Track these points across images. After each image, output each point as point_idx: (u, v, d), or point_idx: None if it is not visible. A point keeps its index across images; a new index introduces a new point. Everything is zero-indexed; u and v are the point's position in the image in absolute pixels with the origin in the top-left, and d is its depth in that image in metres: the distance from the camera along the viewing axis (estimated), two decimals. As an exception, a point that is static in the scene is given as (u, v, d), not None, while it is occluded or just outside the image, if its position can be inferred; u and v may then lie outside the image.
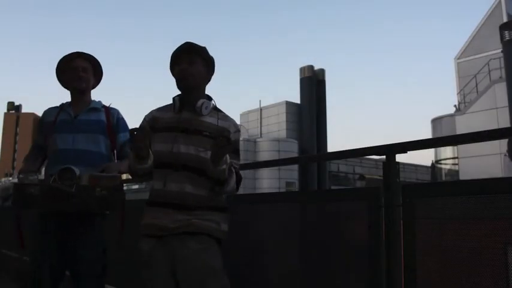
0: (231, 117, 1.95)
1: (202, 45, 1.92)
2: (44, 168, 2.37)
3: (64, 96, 2.57)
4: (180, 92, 1.91)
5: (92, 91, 2.47)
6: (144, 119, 1.93)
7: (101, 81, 2.50)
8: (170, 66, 1.93)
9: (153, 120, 1.90)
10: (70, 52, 2.39)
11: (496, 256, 1.49)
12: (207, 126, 1.83)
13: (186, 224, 1.73)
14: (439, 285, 1.68)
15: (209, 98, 1.90)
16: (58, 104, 2.42)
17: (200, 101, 1.82)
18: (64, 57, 2.38)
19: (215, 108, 1.90)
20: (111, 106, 2.43)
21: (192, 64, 1.86)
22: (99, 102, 2.43)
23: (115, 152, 2.37)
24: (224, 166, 1.68)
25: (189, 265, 1.70)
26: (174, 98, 1.88)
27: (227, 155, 1.70)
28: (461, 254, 1.61)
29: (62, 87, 2.43)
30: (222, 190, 1.78)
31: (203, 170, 1.74)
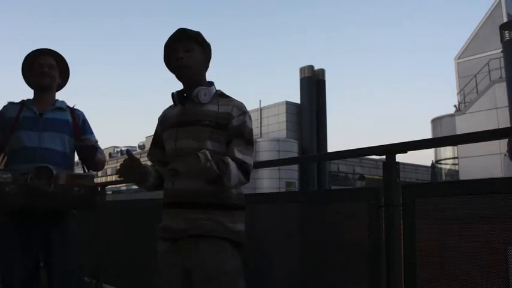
0: (242, 103, 1.76)
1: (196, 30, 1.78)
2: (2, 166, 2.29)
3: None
4: (181, 84, 1.80)
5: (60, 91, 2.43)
6: (157, 120, 1.88)
7: (68, 81, 2.45)
8: (164, 58, 1.80)
9: (162, 120, 1.84)
10: (36, 49, 2.35)
11: (496, 256, 1.49)
12: (208, 114, 1.69)
13: (195, 225, 1.64)
14: (439, 285, 1.68)
15: (210, 84, 1.77)
16: (18, 101, 2.34)
17: (196, 90, 1.70)
18: (29, 53, 2.34)
19: (220, 95, 1.77)
20: (75, 107, 2.39)
21: (188, 52, 1.72)
22: (63, 102, 2.38)
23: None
24: (208, 164, 1.51)
25: (200, 270, 1.62)
26: (172, 93, 1.78)
27: (206, 153, 1.53)
28: (461, 254, 1.61)
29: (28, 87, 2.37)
30: (224, 186, 1.61)
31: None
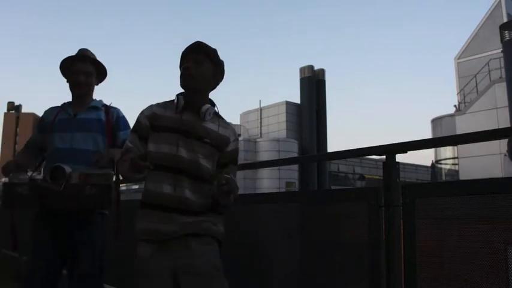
0: (230, 123, 1.92)
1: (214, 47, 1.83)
2: (43, 168, 2.34)
3: (65, 95, 2.56)
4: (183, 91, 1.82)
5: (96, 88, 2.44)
6: (143, 113, 1.81)
7: (105, 79, 2.47)
8: (180, 65, 1.82)
9: (153, 117, 1.78)
10: (78, 52, 2.37)
11: (496, 256, 1.49)
12: (208, 132, 1.76)
13: (190, 226, 1.69)
14: (439, 285, 1.68)
15: (212, 104, 1.83)
16: (59, 104, 2.40)
17: (205, 107, 1.75)
18: (66, 59, 2.36)
19: (216, 114, 1.84)
20: (111, 105, 2.41)
21: (197, 64, 1.76)
22: (100, 101, 2.40)
23: None
24: (232, 200, 1.62)
25: (192, 265, 1.65)
26: (178, 96, 1.78)
27: (235, 186, 1.61)
28: (461, 254, 1.61)
29: (66, 85, 2.41)
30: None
31: (200, 176, 1.71)
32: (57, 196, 2.01)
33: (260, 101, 40.13)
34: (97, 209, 2.18)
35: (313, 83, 29.21)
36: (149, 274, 1.68)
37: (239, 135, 28.65)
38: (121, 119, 2.39)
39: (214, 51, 1.82)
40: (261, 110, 30.71)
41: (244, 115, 32.11)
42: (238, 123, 31.23)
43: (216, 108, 1.83)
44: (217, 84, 1.86)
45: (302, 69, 29.77)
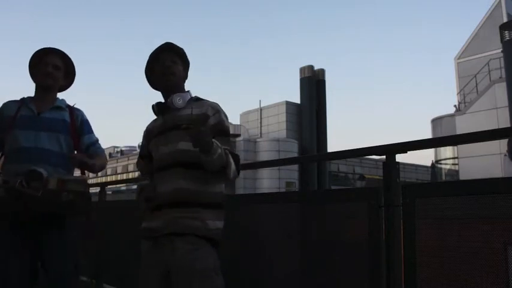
0: (216, 103, 1.87)
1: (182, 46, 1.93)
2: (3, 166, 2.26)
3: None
4: (160, 96, 1.91)
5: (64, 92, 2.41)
6: (143, 134, 1.98)
7: (73, 83, 2.42)
8: (148, 66, 1.93)
9: (147, 133, 1.93)
10: (44, 47, 2.33)
11: (496, 256, 1.49)
12: (184, 118, 1.76)
13: (172, 223, 1.69)
14: (439, 285, 1.68)
15: (185, 91, 1.90)
16: (18, 98, 2.32)
17: (171, 96, 1.82)
18: (37, 51, 2.32)
19: (196, 99, 1.88)
20: (75, 106, 2.37)
21: (173, 63, 1.87)
22: (63, 101, 2.36)
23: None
24: (219, 150, 1.61)
25: (177, 267, 1.67)
26: (152, 106, 1.89)
27: (215, 142, 1.60)
28: (461, 254, 1.61)
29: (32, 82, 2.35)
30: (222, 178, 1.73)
31: (191, 162, 1.70)
32: (33, 201, 1.97)
33: (260, 101, 40.22)
34: (73, 215, 2.16)
35: (313, 83, 29.24)
36: (142, 269, 1.77)
37: (239, 135, 28.77)
38: (85, 123, 2.36)
39: (183, 50, 1.93)
40: (261, 110, 30.73)
41: (244, 115, 32.13)
42: (238, 123, 31.26)
43: (189, 94, 1.88)
44: (187, 76, 1.95)
45: (302, 69, 29.80)
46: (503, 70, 15.97)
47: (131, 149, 39.06)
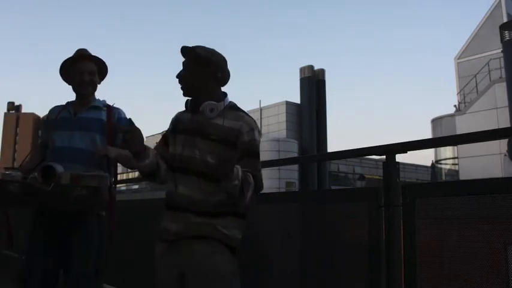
0: (252, 120, 1.76)
1: (196, 44, 1.78)
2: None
3: (67, 95, 2.54)
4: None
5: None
6: (171, 120, 1.88)
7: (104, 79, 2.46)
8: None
9: (176, 121, 1.83)
10: (76, 52, 2.36)
11: (496, 256, 1.49)
12: (214, 128, 1.70)
13: (193, 228, 1.67)
14: (439, 285, 1.68)
15: (219, 99, 1.75)
16: (64, 103, 2.40)
17: (203, 105, 1.71)
18: (70, 58, 2.34)
19: (232, 108, 1.77)
20: (114, 106, 2.39)
21: (186, 68, 1.78)
22: (103, 101, 2.39)
23: None
24: (236, 182, 1.55)
25: (195, 268, 1.65)
26: (186, 101, 1.80)
27: (238, 169, 1.56)
28: (461, 254, 1.61)
29: (66, 85, 2.39)
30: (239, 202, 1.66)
31: (211, 175, 1.62)
32: (46, 195, 1.99)
33: (260, 101, 40.16)
34: (87, 210, 2.17)
35: (313, 83, 29.22)
36: (157, 271, 1.74)
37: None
38: (122, 120, 2.35)
39: (193, 48, 1.76)
40: (261, 110, 30.72)
41: (244, 115, 32.07)
42: (238, 123, 31.19)
43: (223, 103, 1.75)
44: (217, 76, 1.78)
45: (302, 69, 29.79)
46: (503, 70, 15.96)
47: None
